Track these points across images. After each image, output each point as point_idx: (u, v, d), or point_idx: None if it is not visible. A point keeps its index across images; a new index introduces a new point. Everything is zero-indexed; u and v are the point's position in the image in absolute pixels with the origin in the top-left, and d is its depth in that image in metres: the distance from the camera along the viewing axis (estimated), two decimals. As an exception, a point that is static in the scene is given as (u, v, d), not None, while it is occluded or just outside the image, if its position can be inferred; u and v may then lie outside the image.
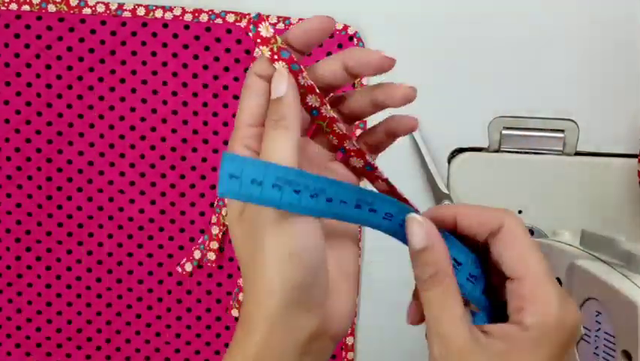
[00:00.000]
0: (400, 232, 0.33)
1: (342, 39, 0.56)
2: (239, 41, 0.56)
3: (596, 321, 0.42)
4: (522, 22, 0.55)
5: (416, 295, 0.34)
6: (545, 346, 0.29)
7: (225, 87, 0.57)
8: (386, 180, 0.35)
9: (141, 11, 0.56)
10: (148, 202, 0.58)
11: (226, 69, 0.56)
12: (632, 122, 0.56)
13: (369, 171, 0.35)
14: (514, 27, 0.55)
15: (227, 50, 0.56)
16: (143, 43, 0.56)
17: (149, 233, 0.59)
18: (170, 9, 0.56)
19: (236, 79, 0.56)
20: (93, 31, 0.56)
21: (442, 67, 0.56)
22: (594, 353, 0.42)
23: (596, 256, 0.44)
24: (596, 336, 0.42)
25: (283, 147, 0.30)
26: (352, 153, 0.34)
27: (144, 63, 0.56)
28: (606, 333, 0.41)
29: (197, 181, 0.58)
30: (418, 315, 0.34)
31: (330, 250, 0.32)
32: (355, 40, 0.55)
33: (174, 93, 0.57)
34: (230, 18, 0.56)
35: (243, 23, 0.56)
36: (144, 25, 0.56)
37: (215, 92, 0.57)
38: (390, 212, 0.32)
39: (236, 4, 0.56)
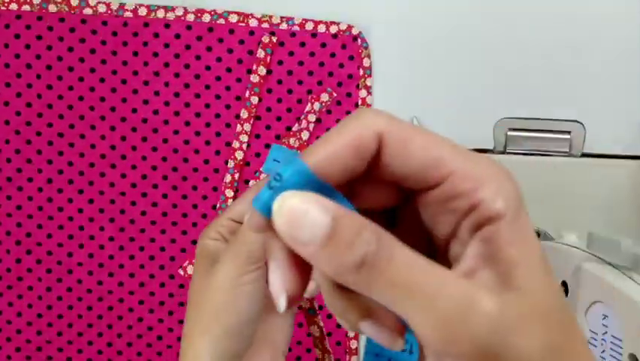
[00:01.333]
0: None
1: (346, 39, 0.55)
2: (241, 42, 0.55)
3: (603, 324, 0.42)
4: (528, 22, 0.55)
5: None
6: None
7: (228, 88, 0.56)
8: (320, 327, 0.40)
9: (143, 11, 0.55)
10: (149, 204, 0.58)
11: (228, 70, 0.56)
12: (639, 124, 0.56)
13: (311, 314, 0.40)
14: (521, 28, 0.55)
15: (230, 51, 0.56)
16: (145, 44, 0.56)
17: (151, 235, 0.58)
18: (172, 9, 0.55)
19: (238, 80, 0.56)
20: (94, 32, 0.55)
21: (448, 68, 0.56)
22: (601, 356, 0.42)
23: (602, 258, 0.44)
24: (602, 339, 0.42)
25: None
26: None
27: (146, 64, 0.56)
28: (613, 336, 0.41)
29: (199, 183, 0.58)
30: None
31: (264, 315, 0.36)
32: (359, 40, 0.55)
33: (176, 94, 0.56)
34: (233, 18, 0.55)
35: (251, 23, 0.55)
36: (146, 25, 0.55)
37: (218, 93, 0.56)
38: None
39: (239, 5, 0.55)
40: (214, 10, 0.55)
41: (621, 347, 0.40)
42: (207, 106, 0.56)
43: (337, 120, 0.56)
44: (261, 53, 0.55)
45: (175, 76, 0.56)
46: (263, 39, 0.55)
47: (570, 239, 0.49)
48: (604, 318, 0.42)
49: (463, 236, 0.22)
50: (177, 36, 0.55)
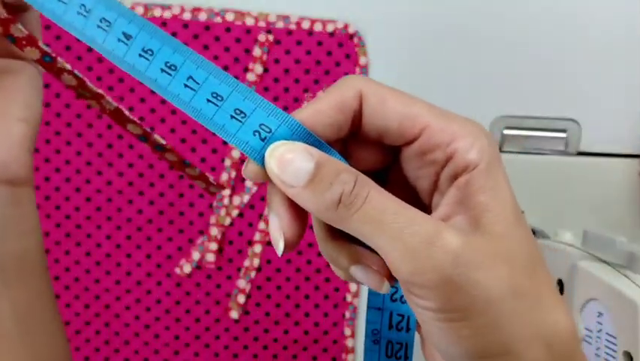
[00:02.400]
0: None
1: (343, 38, 0.55)
2: (238, 40, 0.55)
3: (598, 322, 0.42)
4: (523, 21, 0.55)
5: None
6: None
7: (224, 87, 0.56)
8: (72, 73, 0.31)
9: (139, 10, 0.55)
10: (147, 203, 0.58)
11: (225, 68, 0.56)
12: (635, 122, 0.56)
13: (48, 63, 0.31)
14: (516, 26, 0.55)
15: (227, 49, 0.56)
16: (142, 43, 0.56)
17: (148, 234, 0.58)
18: (169, 7, 0.55)
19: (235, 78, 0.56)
20: (91, 31, 0.55)
21: (443, 66, 0.56)
22: (595, 353, 0.42)
23: (597, 256, 0.44)
24: (597, 337, 0.42)
25: None
26: (24, 42, 0.30)
27: (142, 62, 0.56)
28: (607, 334, 0.41)
29: (196, 181, 0.58)
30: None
31: None
32: (356, 38, 0.55)
33: (173, 93, 0.56)
34: (230, 16, 0.55)
35: (247, 21, 0.55)
36: (142, 24, 0.55)
37: (214, 91, 0.56)
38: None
39: (236, 3, 0.55)
40: (210, 9, 0.55)
41: (616, 345, 0.40)
42: (204, 104, 0.56)
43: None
44: (257, 52, 0.55)
45: (172, 74, 0.56)
46: (259, 37, 0.55)
47: (565, 237, 0.49)
48: (599, 316, 0.42)
49: (443, 188, 0.24)
50: (174, 34, 0.55)
